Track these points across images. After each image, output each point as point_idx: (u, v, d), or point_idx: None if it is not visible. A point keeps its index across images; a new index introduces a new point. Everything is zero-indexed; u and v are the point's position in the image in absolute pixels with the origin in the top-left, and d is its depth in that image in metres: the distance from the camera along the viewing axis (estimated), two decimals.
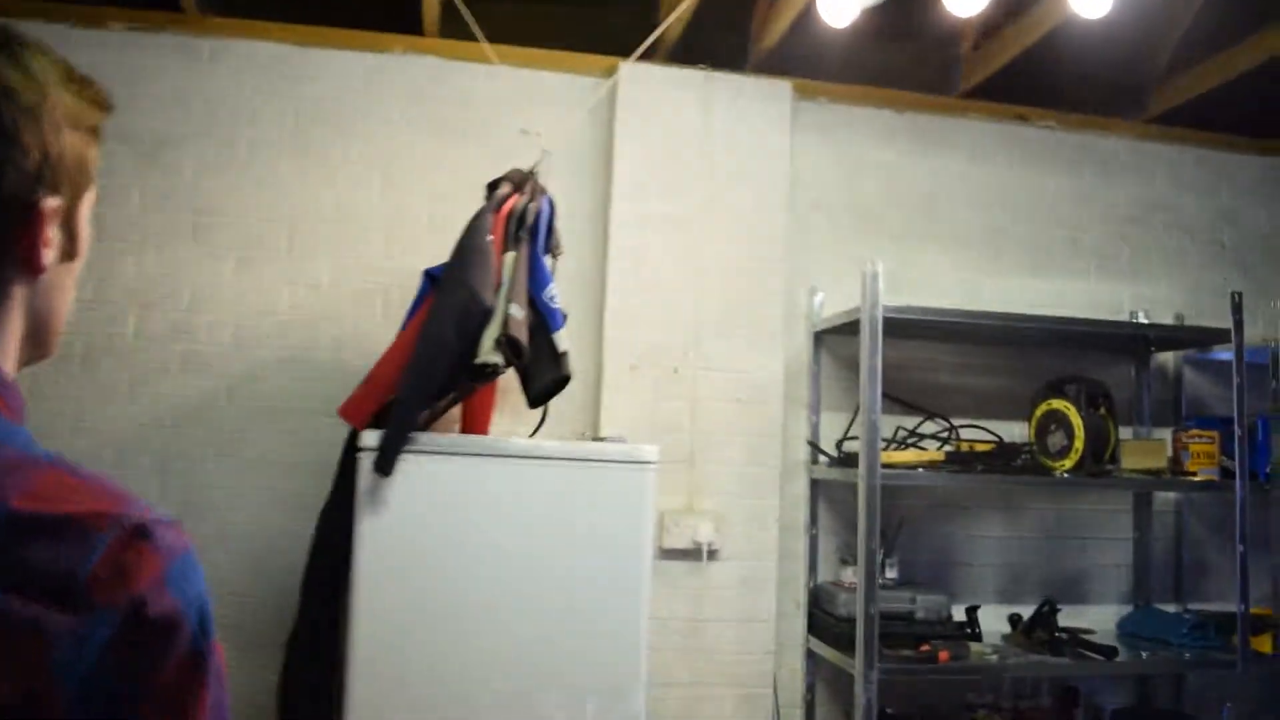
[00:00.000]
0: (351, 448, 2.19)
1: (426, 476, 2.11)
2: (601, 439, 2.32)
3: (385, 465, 2.06)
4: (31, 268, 0.76)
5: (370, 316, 2.86)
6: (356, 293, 2.87)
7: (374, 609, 2.07)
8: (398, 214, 2.89)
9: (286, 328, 2.85)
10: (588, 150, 2.98)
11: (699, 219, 2.90)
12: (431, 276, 2.34)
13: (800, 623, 2.97)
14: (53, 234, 0.76)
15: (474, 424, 2.64)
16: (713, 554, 2.80)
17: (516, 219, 2.24)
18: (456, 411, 2.63)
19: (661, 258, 2.87)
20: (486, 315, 2.09)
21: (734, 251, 2.92)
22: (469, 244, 2.16)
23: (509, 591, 2.10)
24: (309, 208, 2.88)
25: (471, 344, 2.09)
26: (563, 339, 2.22)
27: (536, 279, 2.23)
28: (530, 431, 2.52)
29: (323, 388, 2.77)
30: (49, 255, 0.76)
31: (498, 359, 2.08)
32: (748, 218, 2.94)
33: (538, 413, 2.61)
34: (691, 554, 2.79)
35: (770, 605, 2.86)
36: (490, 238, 2.17)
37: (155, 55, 2.85)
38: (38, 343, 0.81)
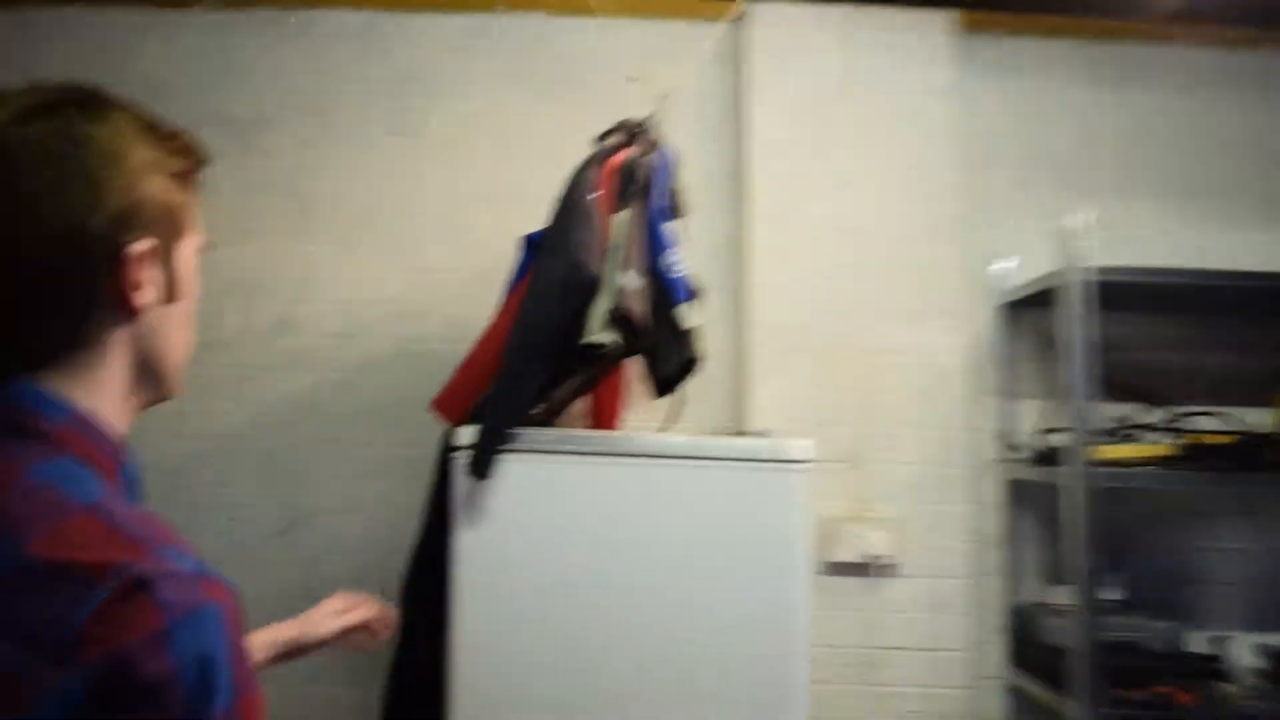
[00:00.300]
0: (448, 446, 1.87)
1: (533, 480, 1.76)
2: (744, 434, 1.91)
3: (481, 467, 1.72)
4: (125, 310, 0.79)
5: (486, 299, 2.50)
6: (470, 274, 2.56)
7: (476, 635, 1.74)
8: (510, 185, 2.57)
9: (397, 316, 2.57)
10: (714, 104, 2.58)
11: (855, 178, 2.45)
12: (531, 243, 2.00)
13: (998, 653, 2.47)
14: (146, 277, 0.79)
15: (602, 418, 2.28)
16: (887, 569, 2.35)
17: (627, 173, 1.86)
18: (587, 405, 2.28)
19: (815, 223, 2.44)
20: (593, 286, 1.72)
21: (900, 213, 2.45)
22: (569, 203, 1.79)
23: (635, 616, 1.73)
24: (414, 183, 2.60)
25: (578, 321, 1.72)
26: (688, 314, 1.83)
27: (654, 243, 1.85)
28: (663, 426, 2.14)
29: (438, 381, 2.47)
30: (142, 298, 0.79)
31: (610, 339, 1.71)
32: (913, 174, 2.46)
33: (678, 405, 2.24)
34: (861, 569, 2.35)
35: (960, 631, 2.38)
36: (595, 195, 1.80)
37: (243, 33, 2.63)
38: (153, 384, 0.84)
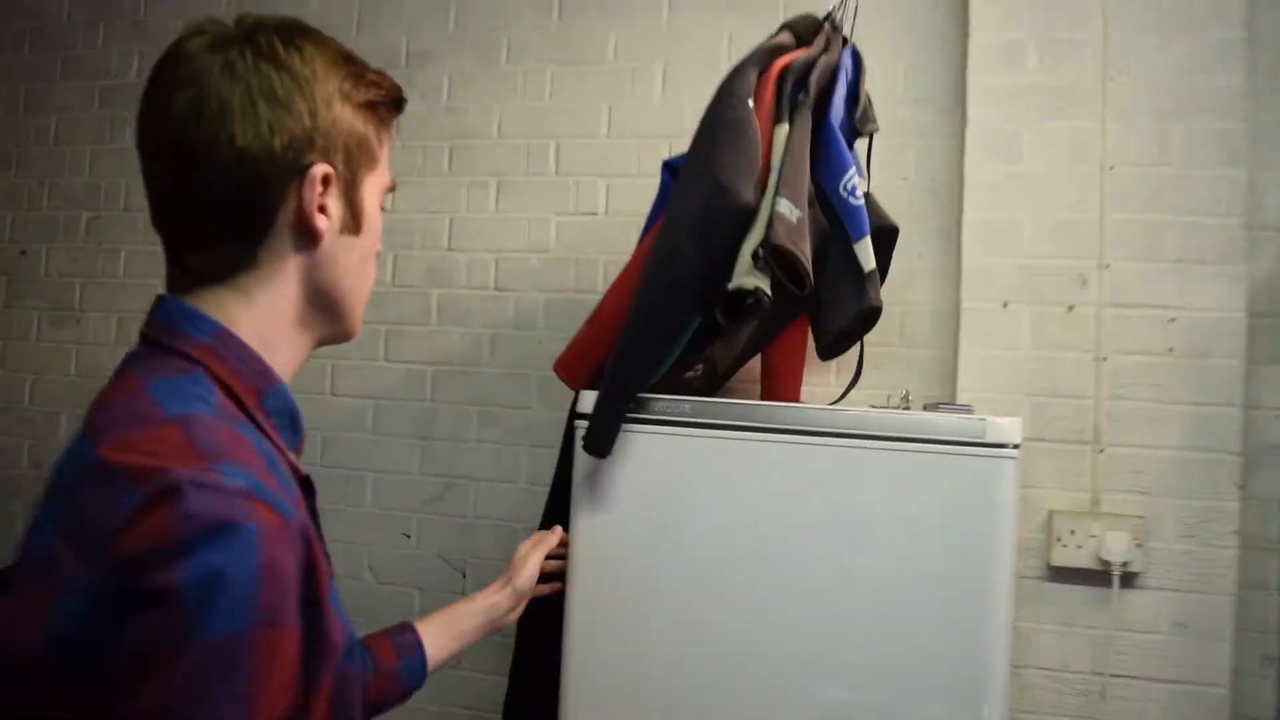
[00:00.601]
0: (573, 413, 1.58)
1: (662, 458, 1.45)
2: (940, 407, 1.51)
3: (598, 442, 1.43)
4: (305, 232, 0.80)
5: None
6: (636, 218, 2.25)
7: (591, 638, 1.46)
8: (684, 118, 2.24)
9: (556, 266, 2.31)
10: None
11: (1097, 91, 1.95)
12: (671, 168, 1.67)
13: (1273, 691, 1.94)
14: (330, 203, 0.81)
15: (778, 384, 1.95)
16: (1130, 578, 1.88)
17: (795, 77, 1.49)
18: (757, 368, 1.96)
19: (1046, 148, 1.96)
20: (742, 217, 1.38)
21: (1156, 133, 1.93)
22: (716, 114, 1.44)
23: (784, 632, 1.39)
24: (579, 117, 2.31)
25: (722, 261, 1.39)
26: (868, 253, 1.45)
27: (828, 163, 1.48)
28: (838, 397, 1.78)
29: None
30: (323, 222, 0.80)
31: (761, 282, 1.36)
32: (1175, 83, 1.93)
33: (873, 369, 1.88)
34: (1096, 577, 1.89)
35: (1222, 660, 1.87)
36: (750, 104, 1.44)
37: None
38: (330, 319, 0.85)
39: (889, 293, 2.03)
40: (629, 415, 1.45)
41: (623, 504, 1.46)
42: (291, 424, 0.84)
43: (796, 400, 1.97)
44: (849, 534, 1.37)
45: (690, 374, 1.82)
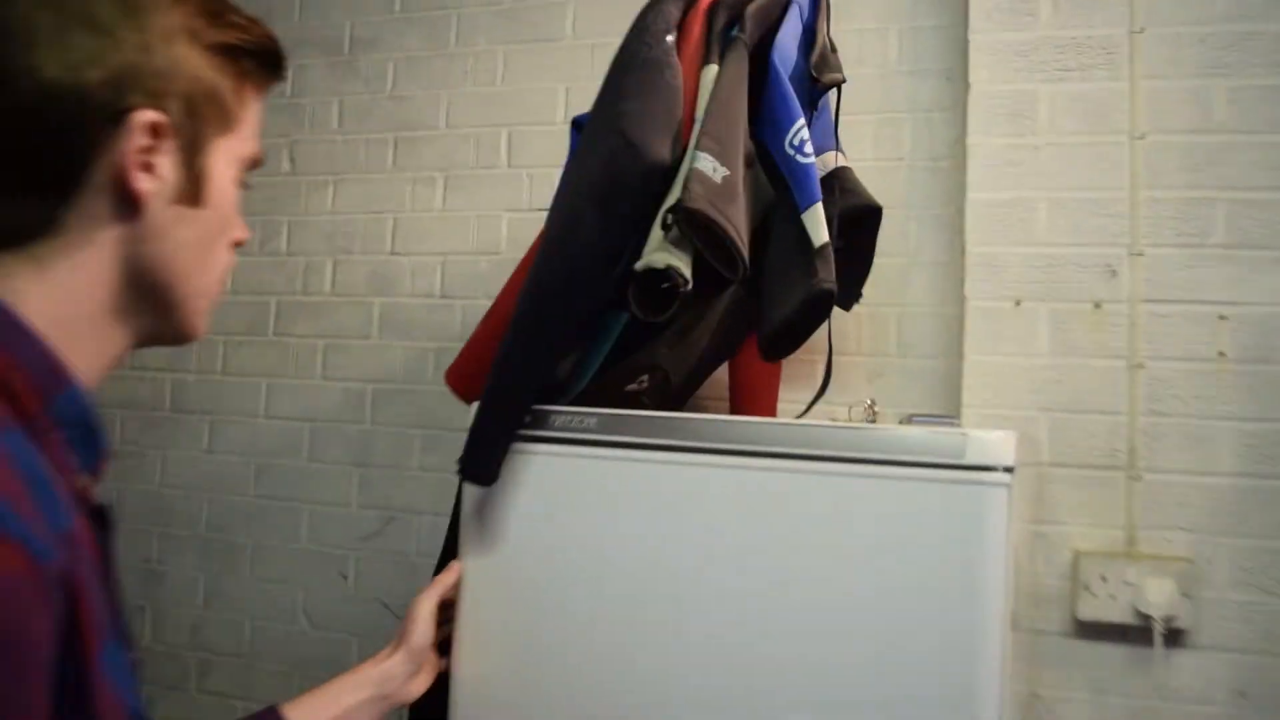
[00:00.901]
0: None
1: (566, 482, 1.15)
2: (911, 420, 1.19)
3: (478, 465, 1.14)
4: (124, 195, 0.64)
5: None
6: None
7: (476, 687, 1.16)
8: None
9: (507, 269, 2.01)
10: None
11: (1124, 45, 1.63)
12: (579, 126, 1.38)
13: None
14: (160, 162, 0.65)
15: (746, 400, 1.66)
16: (1176, 636, 1.53)
17: (729, 11, 1.20)
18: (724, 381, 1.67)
19: (1064, 115, 1.64)
20: (653, 176, 1.09)
21: (1196, 93, 1.60)
22: (627, 55, 1.16)
23: (718, 686, 1.08)
24: (532, 104, 2.05)
25: (631, 234, 1.10)
26: (819, 222, 1.15)
27: (772, 115, 1.18)
28: (801, 412, 1.47)
29: None
30: (147, 183, 0.65)
31: (675, 260, 1.07)
32: (1219, 31, 1.60)
33: (863, 382, 1.57)
34: (1134, 634, 1.54)
35: None
36: (670, 41, 1.15)
37: None
38: (155, 310, 0.69)
39: (881, 293, 1.73)
40: (521, 433, 1.16)
41: (518, 540, 1.16)
42: (87, 438, 0.65)
43: (771, 412, 1.68)
44: (789, 577, 1.06)
45: (634, 386, 1.53)
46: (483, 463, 1.13)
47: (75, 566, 0.57)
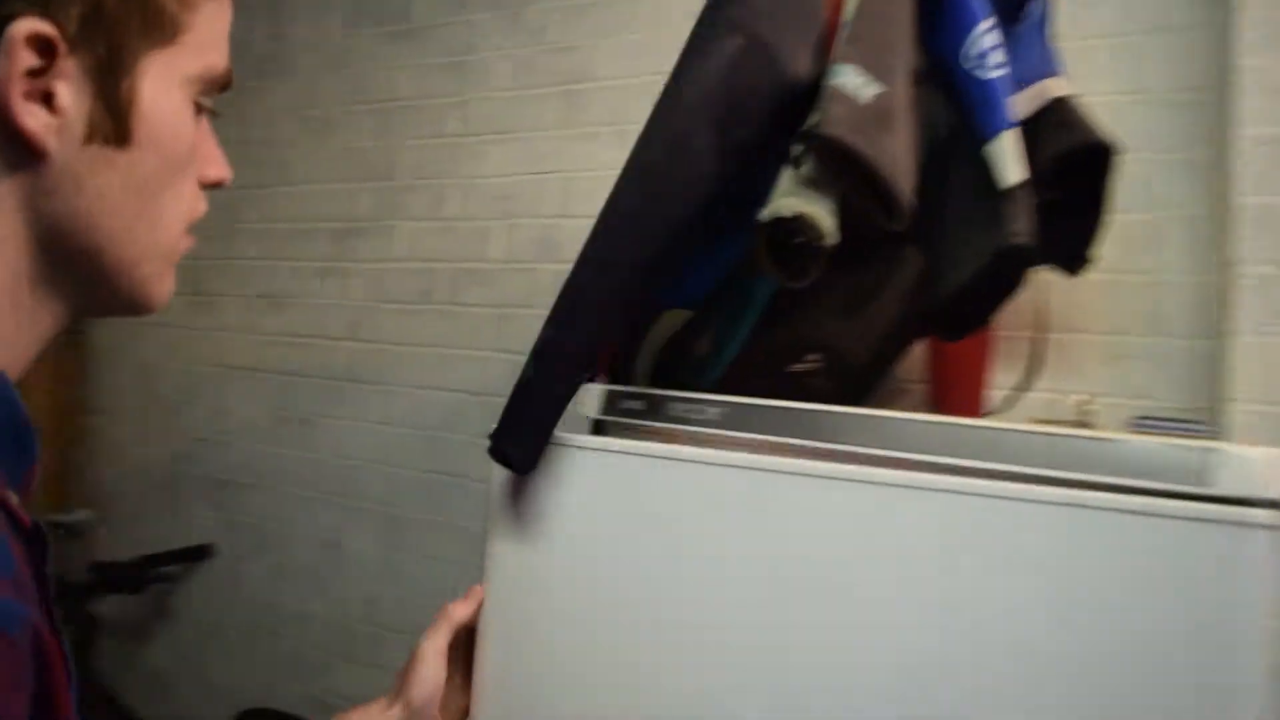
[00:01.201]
0: None
1: (625, 492, 0.92)
2: (1143, 424, 0.87)
3: (511, 451, 0.92)
4: (12, 136, 0.48)
5: None
6: None
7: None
8: None
9: None
10: None
11: None
12: None
13: None
14: (59, 89, 0.49)
15: (946, 388, 1.39)
16: None
17: None
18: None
19: None
20: (787, 91, 0.83)
21: None
22: None
23: None
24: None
25: (751, 166, 0.85)
26: (1010, 157, 0.85)
27: (945, 14, 0.90)
28: (1007, 402, 1.17)
29: None
30: (39, 119, 0.49)
31: (808, 206, 0.82)
32: None
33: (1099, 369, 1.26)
34: None
35: None
36: None
37: None
38: (85, 278, 0.54)
39: (1122, 256, 1.38)
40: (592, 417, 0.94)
41: (567, 558, 0.94)
42: (15, 440, 0.52)
43: (974, 408, 1.38)
44: (932, 640, 0.79)
45: (801, 366, 1.27)
46: (518, 448, 0.91)
47: (34, 620, 0.45)
